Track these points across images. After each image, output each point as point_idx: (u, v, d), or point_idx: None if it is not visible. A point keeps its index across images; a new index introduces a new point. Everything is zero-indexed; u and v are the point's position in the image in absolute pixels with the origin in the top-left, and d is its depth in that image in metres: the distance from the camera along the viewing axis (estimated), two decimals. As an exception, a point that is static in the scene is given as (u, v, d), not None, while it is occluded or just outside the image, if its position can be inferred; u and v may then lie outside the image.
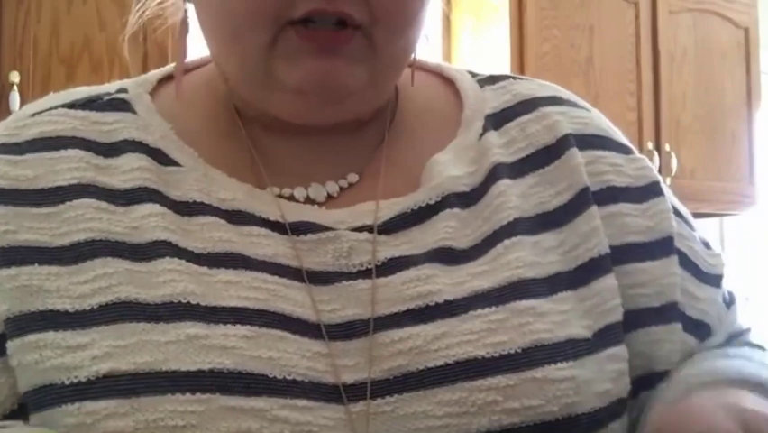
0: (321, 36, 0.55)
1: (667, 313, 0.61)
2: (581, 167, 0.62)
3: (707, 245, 0.67)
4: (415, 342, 0.54)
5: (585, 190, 0.61)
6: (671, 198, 0.67)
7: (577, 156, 0.63)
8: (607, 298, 0.59)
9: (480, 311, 0.55)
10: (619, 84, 2.95)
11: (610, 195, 0.62)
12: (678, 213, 0.66)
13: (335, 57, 0.56)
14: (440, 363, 0.53)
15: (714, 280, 0.66)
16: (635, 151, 0.67)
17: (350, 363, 0.54)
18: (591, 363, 0.56)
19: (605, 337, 0.58)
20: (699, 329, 0.63)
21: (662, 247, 0.62)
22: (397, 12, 0.57)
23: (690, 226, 0.67)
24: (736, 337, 0.68)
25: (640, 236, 0.62)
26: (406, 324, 0.55)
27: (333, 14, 0.54)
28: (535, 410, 0.53)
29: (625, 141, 0.67)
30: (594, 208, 0.61)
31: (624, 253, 0.61)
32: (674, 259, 0.62)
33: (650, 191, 0.64)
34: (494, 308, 0.55)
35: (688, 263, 0.64)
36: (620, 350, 0.58)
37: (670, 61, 3.10)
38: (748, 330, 0.70)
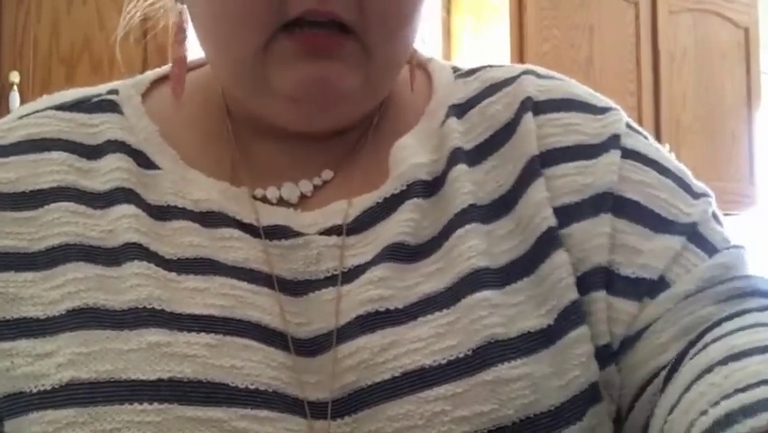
0: (314, 40, 0.54)
1: (587, 281, 0.55)
2: (532, 133, 0.58)
3: (694, 195, 0.58)
4: (362, 355, 0.52)
5: (533, 159, 0.58)
6: (644, 147, 0.60)
7: (530, 122, 0.59)
8: (563, 275, 0.54)
9: (429, 316, 0.53)
10: (619, 84, 2.95)
11: (550, 158, 0.58)
12: (647, 160, 0.59)
13: (329, 61, 0.54)
14: (387, 376, 0.51)
15: (681, 227, 0.56)
16: (616, 110, 0.61)
17: (312, 380, 0.52)
18: (551, 355, 0.53)
19: (567, 319, 0.54)
20: (638, 287, 0.55)
21: (593, 205, 0.57)
22: (390, 13, 0.55)
23: (667, 174, 0.59)
24: (724, 282, 0.55)
25: (571, 197, 0.57)
26: (358, 334, 0.53)
27: (324, 15, 0.53)
28: (488, 416, 0.50)
29: (603, 104, 0.61)
30: (541, 179, 0.57)
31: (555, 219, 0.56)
32: (604, 217, 0.56)
33: (603, 147, 0.58)
34: (444, 311, 0.53)
35: (637, 212, 0.57)
36: (584, 330, 0.53)
37: (670, 61, 3.11)
38: (750, 277, 0.56)
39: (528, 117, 0.59)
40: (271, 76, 0.56)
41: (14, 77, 1.98)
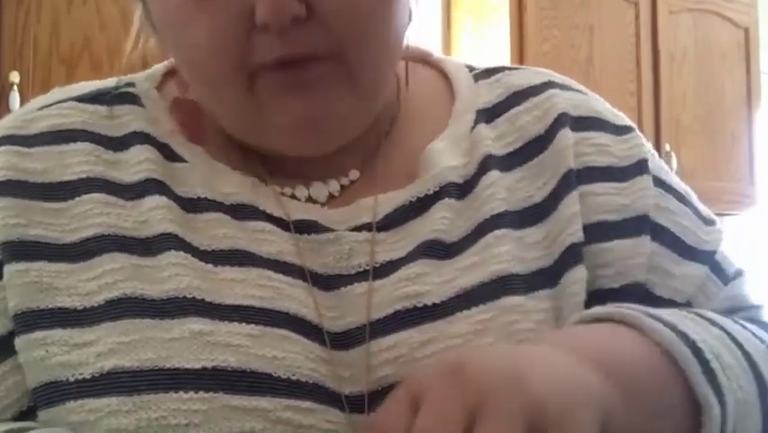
0: (294, 73, 0.54)
1: (627, 294, 0.59)
2: (570, 149, 0.61)
3: (706, 221, 0.65)
4: (400, 350, 0.53)
5: (569, 173, 0.60)
6: (663, 173, 0.65)
7: (568, 137, 0.62)
8: (578, 290, 0.57)
9: (466, 312, 0.54)
10: (619, 84, 2.95)
11: (586, 175, 0.61)
12: (667, 187, 0.64)
13: (316, 92, 0.55)
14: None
15: (703, 255, 0.63)
16: (635, 131, 0.65)
17: (346, 374, 0.53)
18: None
19: None
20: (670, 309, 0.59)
21: (634, 226, 0.61)
22: (364, 34, 0.55)
23: (684, 201, 0.64)
24: (737, 313, 0.63)
25: (612, 215, 0.60)
26: (395, 329, 0.54)
27: (295, 56, 0.53)
28: None
29: (622, 122, 0.66)
30: (575, 192, 0.60)
31: (591, 233, 0.59)
32: (645, 238, 0.61)
33: (634, 170, 0.63)
34: (481, 307, 0.55)
35: (669, 238, 0.62)
36: None
37: (670, 61, 3.10)
38: (757, 307, 0.65)
39: (566, 133, 0.62)
40: (265, 113, 0.56)
41: (14, 77, 1.97)
